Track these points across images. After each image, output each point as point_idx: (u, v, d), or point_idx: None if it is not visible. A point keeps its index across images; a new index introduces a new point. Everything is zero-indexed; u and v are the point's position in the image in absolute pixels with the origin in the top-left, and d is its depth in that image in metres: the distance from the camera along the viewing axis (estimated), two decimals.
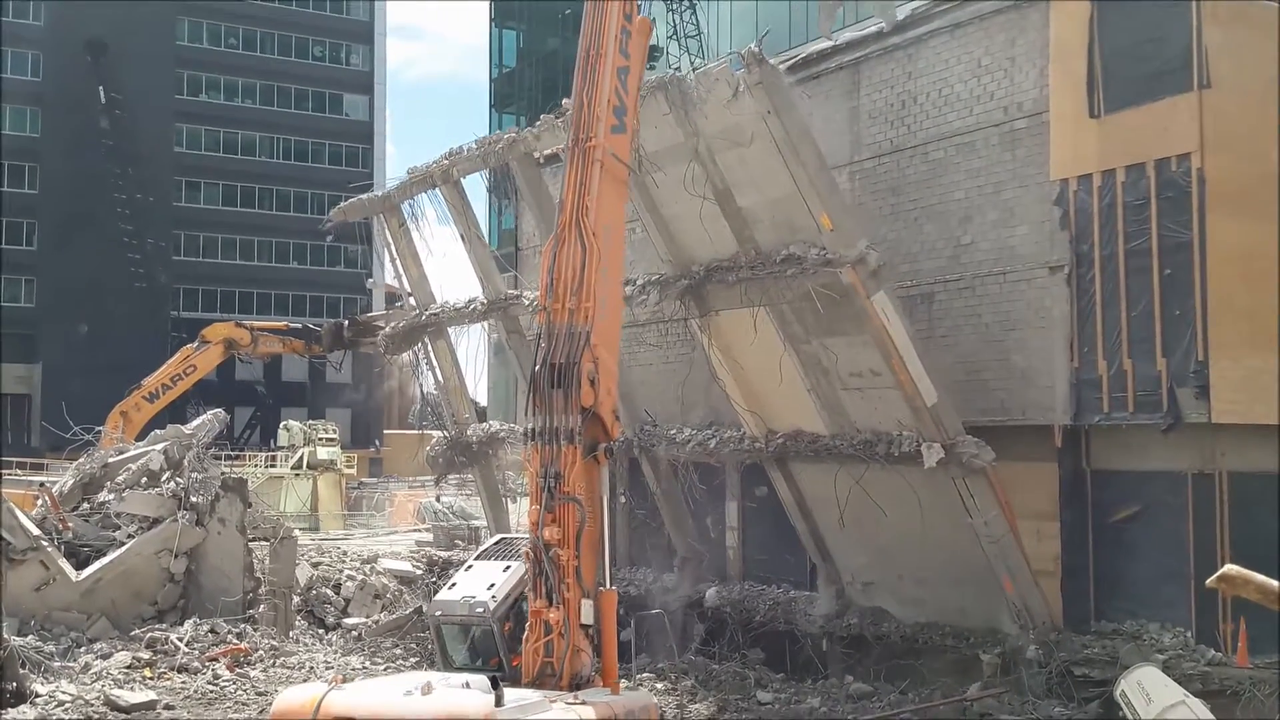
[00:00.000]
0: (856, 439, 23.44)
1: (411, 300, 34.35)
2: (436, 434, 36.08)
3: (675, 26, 57.73)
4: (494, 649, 15.15)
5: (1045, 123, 23.55)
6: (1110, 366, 22.38)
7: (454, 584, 15.98)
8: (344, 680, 13.47)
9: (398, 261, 34.23)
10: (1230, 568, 13.07)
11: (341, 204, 35.94)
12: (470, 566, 16.31)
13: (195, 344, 53.75)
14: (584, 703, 13.45)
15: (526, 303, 29.38)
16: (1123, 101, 22.41)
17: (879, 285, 21.85)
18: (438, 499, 50.10)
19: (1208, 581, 13.69)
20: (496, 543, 16.69)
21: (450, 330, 33.80)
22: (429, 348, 34.32)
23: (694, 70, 23.91)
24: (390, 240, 34.11)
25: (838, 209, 22.41)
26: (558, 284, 15.64)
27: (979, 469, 22.00)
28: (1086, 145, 22.85)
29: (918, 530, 23.46)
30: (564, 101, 25.24)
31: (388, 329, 35.53)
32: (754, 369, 24.93)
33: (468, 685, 12.82)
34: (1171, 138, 21.45)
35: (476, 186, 31.48)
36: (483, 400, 45.55)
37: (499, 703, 12.54)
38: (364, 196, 35.26)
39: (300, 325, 57.57)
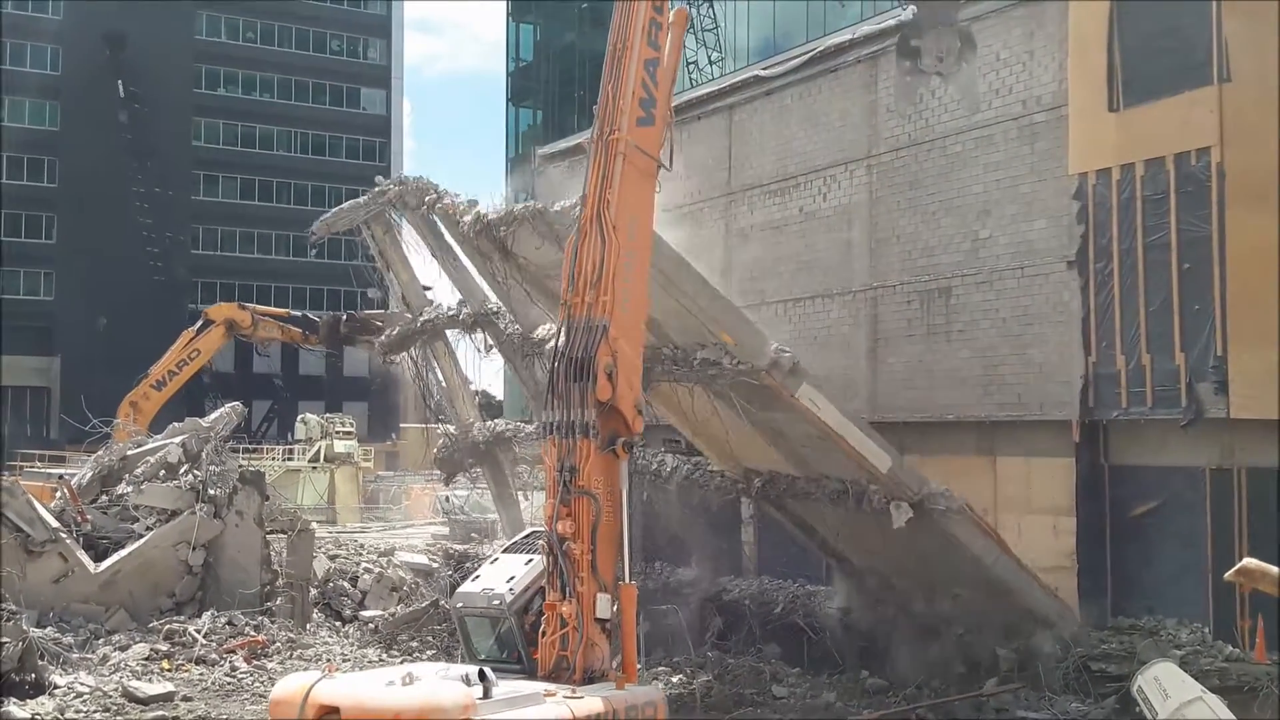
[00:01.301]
0: (829, 487, 22.97)
1: (404, 305, 34.49)
2: (445, 428, 36.06)
3: (693, 20, 57.66)
4: (516, 641, 15.13)
5: (1064, 116, 23.49)
6: (1129, 361, 22.32)
7: (478, 576, 15.95)
8: (335, 671, 13.50)
9: (390, 269, 34.44)
10: (1249, 561, 13.04)
11: (323, 216, 36.37)
12: (497, 559, 16.27)
13: (197, 324, 53.61)
14: (581, 697, 13.45)
15: (505, 323, 29.50)
16: (1142, 95, 22.34)
17: (800, 380, 20.94)
18: (447, 500, 50.11)
19: (1227, 575, 13.68)
20: (526, 536, 16.62)
21: (448, 331, 33.85)
22: (428, 349, 34.37)
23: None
24: (378, 248, 34.33)
25: (735, 321, 21.26)
26: (578, 277, 15.62)
27: (954, 513, 21.80)
28: (1105, 139, 22.78)
29: (917, 550, 23.27)
30: (455, 198, 25.21)
31: (383, 337, 35.59)
32: (712, 427, 24.22)
33: (466, 678, 12.83)
34: (1191, 131, 21.37)
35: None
36: (499, 395, 45.60)
37: (487, 695, 12.56)
38: (345, 205, 35.65)
39: (301, 315, 57.44)
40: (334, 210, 35.92)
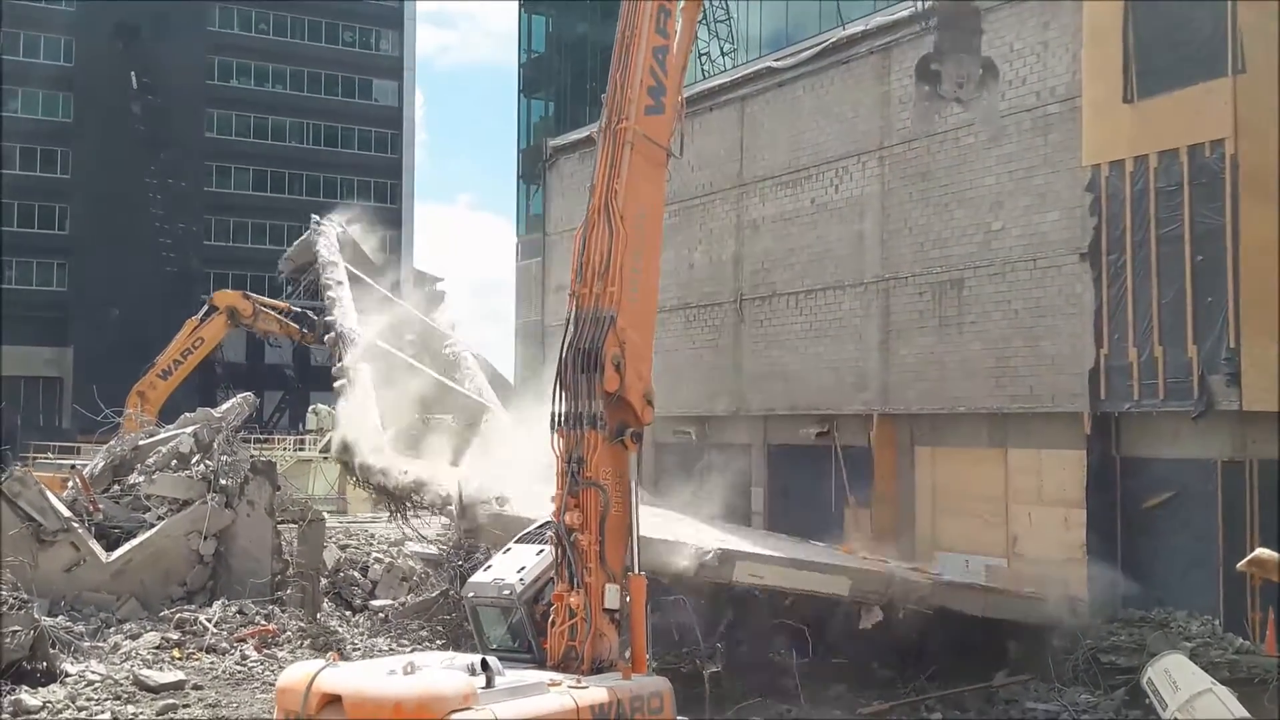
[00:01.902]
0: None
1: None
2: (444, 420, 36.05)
3: (705, 12, 57.58)
4: (526, 631, 15.11)
5: (1077, 108, 23.43)
6: (1141, 353, 22.27)
7: (490, 566, 15.91)
8: (339, 659, 13.50)
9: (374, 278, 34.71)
10: (1262, 551, 13.02)
11: (287, 252, 37.09)
12: (509, 549, 16.22)
13: (201, 311, 53.62)
14: (585, 686, 13.44)
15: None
16: (1156, 87, 22.27)
17: (732, 564, 20.69)
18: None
19: (1239, 565, 13.67)
20: (539, 526, 16.57)
21: None
22: None
23: None
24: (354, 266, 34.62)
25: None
26: (586, 268, 15.54)
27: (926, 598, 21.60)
28: (1119, 131, 22.72)
29: None
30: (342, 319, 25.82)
31: None
32: None
33: (471, 667, 12.82)
34: (1205, 123, 21.30)
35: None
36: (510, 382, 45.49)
37: (489, 684, 12.54)
38: (306, 237, 36.34)
39: (300, 311, 57.44)
40: (294, 245, 36.85)
